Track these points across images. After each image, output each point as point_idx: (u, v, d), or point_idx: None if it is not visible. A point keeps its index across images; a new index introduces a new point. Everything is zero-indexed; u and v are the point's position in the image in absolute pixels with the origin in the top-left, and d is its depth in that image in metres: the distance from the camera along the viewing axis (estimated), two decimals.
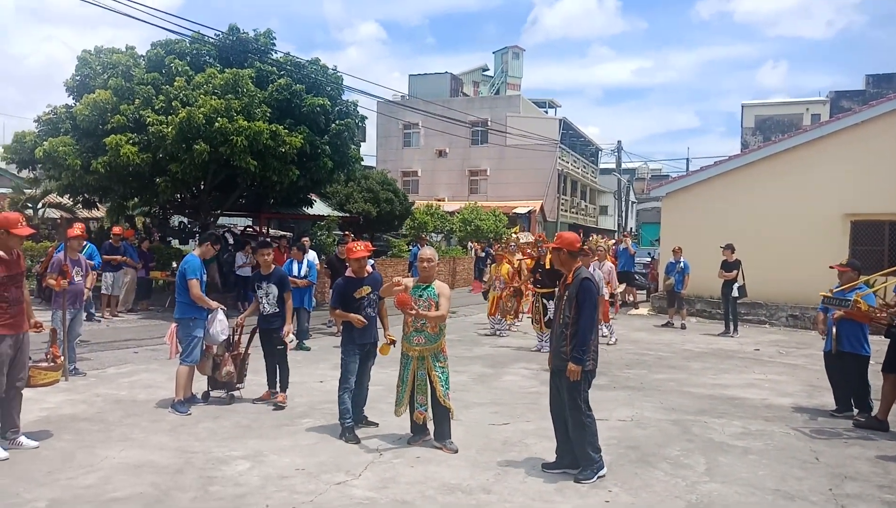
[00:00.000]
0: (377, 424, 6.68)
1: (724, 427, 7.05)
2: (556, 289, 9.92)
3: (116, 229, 15.20)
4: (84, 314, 9.62)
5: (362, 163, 20.26)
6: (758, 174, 16.72)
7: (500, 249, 14.69)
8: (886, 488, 5.43)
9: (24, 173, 19.13)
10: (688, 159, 57.92)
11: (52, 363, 7.55)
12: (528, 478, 5.42)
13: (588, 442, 5.38)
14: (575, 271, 5.55)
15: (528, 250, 13.20)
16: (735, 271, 14.01)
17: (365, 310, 6.45)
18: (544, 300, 11.35)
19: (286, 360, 7.59)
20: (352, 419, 6.36)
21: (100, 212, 20.13)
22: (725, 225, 16.13)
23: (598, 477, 5.37)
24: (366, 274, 6.65)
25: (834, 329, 7.49)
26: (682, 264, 14.99)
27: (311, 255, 13.54)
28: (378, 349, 6.56)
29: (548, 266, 11.19)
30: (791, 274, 15.45)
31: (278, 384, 7.58)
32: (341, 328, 6.86)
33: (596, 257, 12.70)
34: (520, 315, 13.97)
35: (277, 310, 7.49)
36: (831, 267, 8.12)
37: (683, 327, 14.96)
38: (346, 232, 18.41)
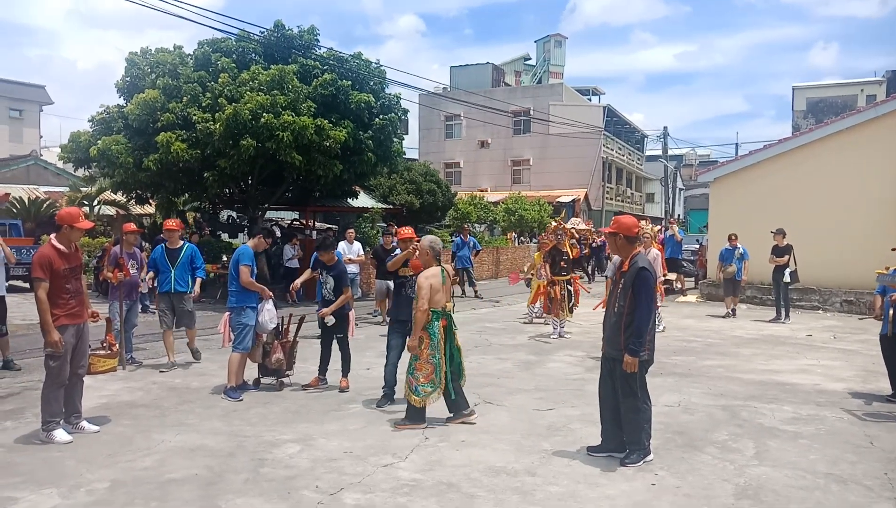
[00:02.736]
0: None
1: (774, 413, 6.93)
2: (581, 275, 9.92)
3: (169, 224, 15.61)
4: (139, 306, 9.93)
5: (405, 156, 20.37)
6: (809, 157, 16.27)
7: (546, 236, 14.52)
8: None
9: (80, 172, 19.80)
10: (737, 144, 56.75)
11: (108, 351, 7.88)
12: (573, 462, 5.43)
13: (642, 428, 5.35)
14: (632, 259, 5.37)
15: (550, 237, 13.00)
16: (786, 257, 13.68)
17: (406, 290, 7.00)
18: (570, 287, 11.47)
19: (347, 346, 7.78)
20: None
21: (151, 208, 20.69)
22: (776, 210, 15.76)
23: (645, 462, 5.35)
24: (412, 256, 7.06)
25: (891, 312, 7.29)
26: (741, 251, 14.43)
27: (357, 246, 13.75)
28: None
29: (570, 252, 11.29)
30: (844, 259, 15.05)
31: (341, 369, 7.74)
32: (387, 317, 7.07)
33: (644, 245, 12.59)
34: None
35: (334, 299, 7.69)
36: (894, 249, 7.93)
37: (734, 313, 14.52)
38: (390, 223, 18.54)
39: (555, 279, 11.59)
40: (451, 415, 6.40)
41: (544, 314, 12.98)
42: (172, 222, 9.27)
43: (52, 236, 6.00)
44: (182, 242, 9.09)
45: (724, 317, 14.33)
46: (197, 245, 16.70)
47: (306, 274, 8.21)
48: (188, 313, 8.99)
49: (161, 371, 8.47)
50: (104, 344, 8.17)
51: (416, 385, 6.19)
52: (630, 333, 5.24)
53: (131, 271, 8.99)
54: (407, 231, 7.74)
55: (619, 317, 5.35)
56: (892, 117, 15.29)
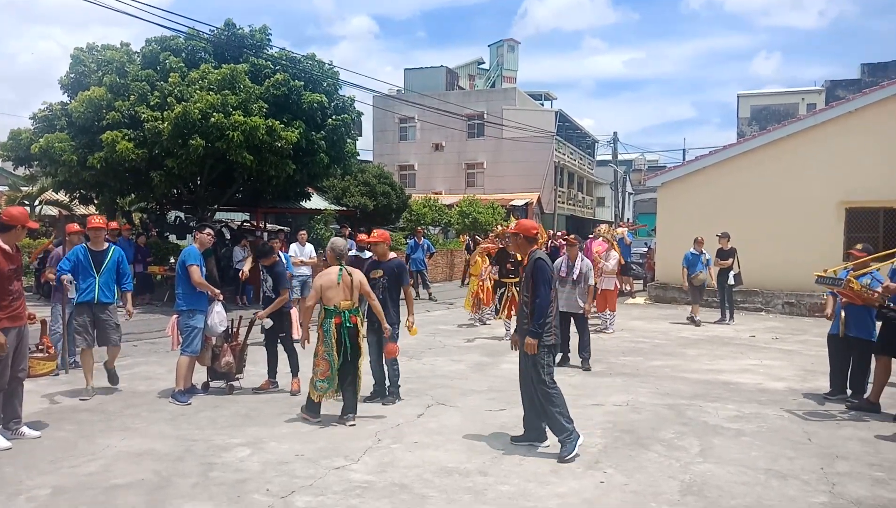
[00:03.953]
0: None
1: (718, 411, 7.13)
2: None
3: (112, 225, 15.23)
4: None
5: (358, 157, 20.30)
6: (753, 163, 16.79)
7: (491, 240, 14.56)
8: (877, 466, 5.51)
9: (21, 171, 19.21)
10: (684, 150, 57.96)
11: (46, 354, 7.65)
12: (523, 461, 5.50)
13: (559, 413, 5.62)
14: (530, 254, 5.84)
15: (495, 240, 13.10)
16: (731, 259, 14.07)
17: (376, 292, 6.91)
18: (516, 289, 11.50)
19: (292, 345, 7.71)
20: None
21: (95, 208, 20.15)
22: (721, 214, 16.22)
23: (579, 446, 5.56)
24: (387, 260, 7.33)
25: (843, 313, 7.55)
26: (707, 257, 13.97)
27: (309, 248, 13.63)
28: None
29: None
30: (787, 261, 15.55)
31: (290, 371, 7.69)
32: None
33: (609, 246, 12.91)
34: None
35: (274, 298, 7.65)
36: (849, 252, 8.23)
37: (698, 323, 13.84)
38: (343, 225, 18.45)
39: (504, 281, 11.71)
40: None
41: (481, 310, 13.04)
42: (98, 219, 7.70)
43: None
44: (107, 243, 7.63)
45: (694, 324, 13.74)
46: (145, 246, 16.49)
47: (250, 261, 8.15)
48: (114, 327, 7.49)
49: (81, 399, 7.15)
50: (40, 346, 7.90)
51: (315, 380, 6.42)
52: (533, 317, 5.61)
53: None
54: (374, 235, 7.50)
55: (525, 306, 5.76)
56: (830, 125, 15.90)
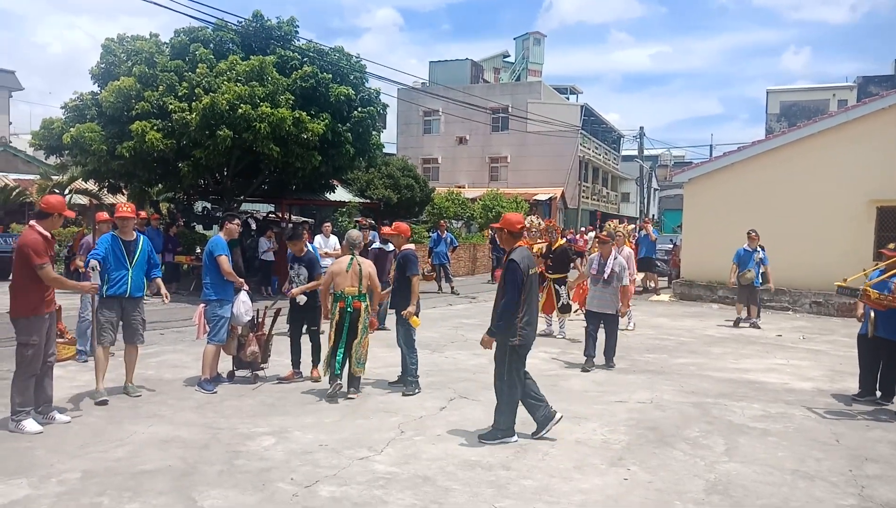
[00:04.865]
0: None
1: (744, 410, 7.06)
2: (565, 274, 9.94)
3: (142, 214, 15.42)
4: None
5: (383, 150, 20.33)
6: (782, 160, 16.53)
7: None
8: None
9: (52, 160, 19.45)
10: (711, 146, 57.49)
11: (64, 339, 7.78)
12: (546, 456, 5.49)
13: (503, 409, 5.79)
14: (508, 252, 5.87)
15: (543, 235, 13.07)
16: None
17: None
18: (556, 286, 11.38)
19: (318, 338, 7.84)
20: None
21: (124, 197, 20.40)
22: (749, 211, 15.98)
23: (502, 443, 5.71)
24: (401, 251, 7.60)
25: (872, 314, 7.43)
26: (761, 255, 13.22)
27: (333, 239, 13.70)
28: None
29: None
30: (815, 261, 15.30)
31: (311, 360, 7.82)
32: None
33: (615, 243, 12.62)
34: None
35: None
36: (881, 252, 8.07)
37: (748, 322, 13.23)
38: (360, 219, 18.50)
39: (544, 276, 11.66)
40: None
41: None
42: (126, 208, 7.19)
43: (34, 221, 5.88)
44: (135, 233, 7.15)
45: (733, 325, 13.23)
46: (174, 236, 16.67)
47: (308, 286, 7.86)
48: (142, 323, 7.15)
49: (97, 403, 6.63)
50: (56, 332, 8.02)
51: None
52: (496, 316, 5.77)
53: None
54: (389, 229, 7.90)
55: (496, 304, 5.87)
56: (862, 122, 15.59)
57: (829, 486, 5.04)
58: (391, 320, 8.89)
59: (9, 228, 20.00)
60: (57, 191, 21.23)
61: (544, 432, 5.89)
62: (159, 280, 7.25)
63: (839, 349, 10.84)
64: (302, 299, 7.68)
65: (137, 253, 6.94)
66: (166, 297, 7.23)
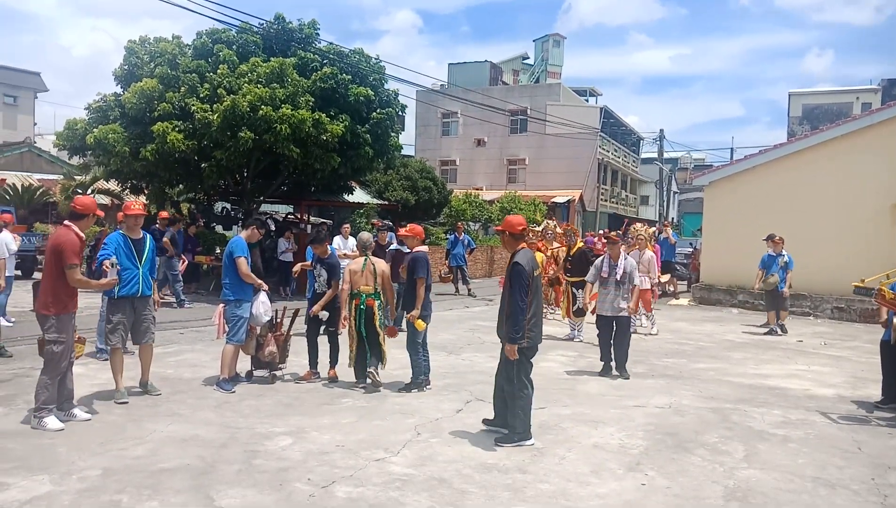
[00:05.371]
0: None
1: (764, 416, 6.98)
2: (584, 277, 9.90)
3: (163, 214, 15.57)
4: None
5: (401, 152, 20.38)
6: (804, 163, 16.36)
7: (536, 236, 14.42)
8: None
9: (75, 160, 19.71)
10: (732, 149, 57.01)
11: (78, 337, 7.87)
12: (563, 460, 5.46)
13: (518, 413, 5.73)
14: (512, 255, 5.85)
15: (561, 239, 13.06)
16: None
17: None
18: (573, 289, 11.34)
19: (337, 340, 7.90)
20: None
21: (146, 198, 20.62)
22: (770, 215, 15.83)
23: (518, 446, 5.67)
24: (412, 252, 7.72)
25: (895, 320, 7.33)
26: (786, 259, 12.95)
27: (352, 241, 13.73)
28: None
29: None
30: (837, 265, 15.11)
31: (329, 361, 7.89)
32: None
33: (636, 246, 12.55)
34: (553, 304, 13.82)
35: (327, 291, 7.83)
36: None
37: (781, 329, 12.97)
38: (375, 221, 18.55)
39: (563, 280, 11.69)
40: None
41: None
42: (137, 205, 7.10)
43: (69, 222, 5.96)
44: (142, 232, 7.00)
45: (765, 333, 12.94)
46: (194, 236, 16.81)
47: (305, 264, 8.44)
48: (153, 321, 7.09)
49: (118, 403, 6.64)
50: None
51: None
52: (508, 323, 5.69)
53: None
54: (405, 230, 8.01)
55: (503, 308, 5.84)
56: (887, 126, 15.40)
57: (851, 494, 4.98)
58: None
59: (32, 227, 20.30)
60: (80, 191, 21.54)
61: (495, 429, 6.04)
62: (156, 284, 7.22)
63: (861, 356, 10.70)
64: (324, 315, 7.78)
65: (146, 251, 6.89)
66: (157, 304, 7.19)
